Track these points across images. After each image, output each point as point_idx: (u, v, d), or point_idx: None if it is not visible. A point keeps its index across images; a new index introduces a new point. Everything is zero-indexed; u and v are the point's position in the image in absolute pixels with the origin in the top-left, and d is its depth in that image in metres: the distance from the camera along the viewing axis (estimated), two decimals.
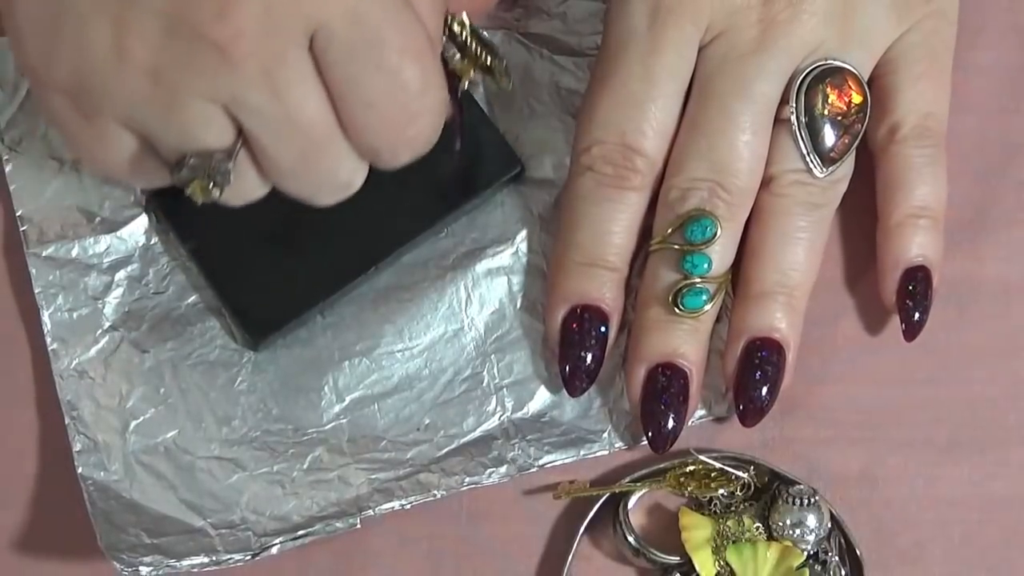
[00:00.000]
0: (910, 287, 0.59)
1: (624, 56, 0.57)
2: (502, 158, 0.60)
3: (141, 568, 0.55)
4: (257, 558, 0.57)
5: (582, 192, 0.58)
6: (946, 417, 0.61)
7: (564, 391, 0.58)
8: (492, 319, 0.60)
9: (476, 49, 0.54)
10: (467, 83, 0.55)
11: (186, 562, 0.56)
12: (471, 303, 0.60)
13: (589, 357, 0.58)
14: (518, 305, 0.60)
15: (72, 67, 0.48)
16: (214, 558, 0.56)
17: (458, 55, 0.54)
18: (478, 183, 0.60)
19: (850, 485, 0.60)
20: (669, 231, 0.57)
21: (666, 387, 0.57)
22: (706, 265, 0.57)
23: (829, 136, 0.57)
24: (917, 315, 0.59)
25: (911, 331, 0.59)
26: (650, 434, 0.58)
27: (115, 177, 0.52)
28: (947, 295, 0.60)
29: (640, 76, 0.57)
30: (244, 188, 0.51)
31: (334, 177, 0.51)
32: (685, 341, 0.58)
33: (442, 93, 0.51)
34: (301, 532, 0.57)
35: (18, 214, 0.59)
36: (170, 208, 0.59)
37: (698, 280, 0.57)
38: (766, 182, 0.58)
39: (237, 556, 0.57)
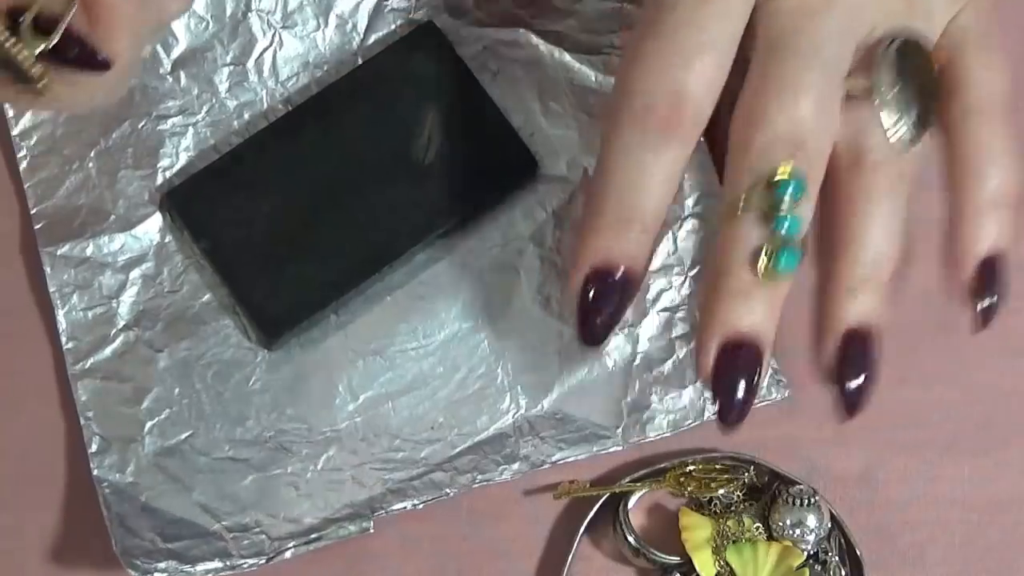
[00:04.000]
0: (987, 276, 0.55)
1: (674, 4, 0.53)
2: (516, 156, 0.60)
3: (155, 574, 0.56)
4: (271, 563, 0.57)
5: (624, 141, 0.54)
6: (946, 417, 0.61)
7: (578, 389, 0.58)
8: (506, 316, 0.60)
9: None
10: None
11: (200, 567, 0.56)
12: (485, 300, 0.60)
13: (611, 317, 0.54)
14: (532, 302, 0.60)
15: None
16: (228, 563, 0.57)
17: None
18: (492, 181, 0.60)
19: (850, 485, 0.60)
20: (752, 190, 0.53)
21: (744, 360, 0.53)
22: (799, 226, 0.52)
23: (912, 110, 0.54)
24: (989, 302, 0.55)
25: (986, 318, 0.56)
26: (723, 409, 0.53)
27: None
28: None
29: (690, 25, 0.53)
30: None
31: None
32: (763, 312, 0.53)
33: None
34: (314, 536, 0.57)
35: (33, 212, 0.59)
36: (184, 207, 0.59)
37: (793, 241, 0.52)
38: (851, 160, 0.55)
39: (251, 561, 0.57)
